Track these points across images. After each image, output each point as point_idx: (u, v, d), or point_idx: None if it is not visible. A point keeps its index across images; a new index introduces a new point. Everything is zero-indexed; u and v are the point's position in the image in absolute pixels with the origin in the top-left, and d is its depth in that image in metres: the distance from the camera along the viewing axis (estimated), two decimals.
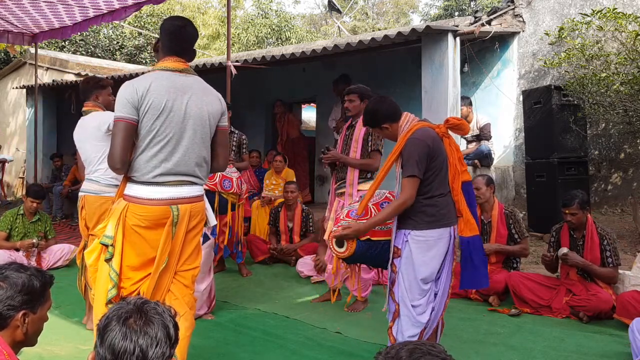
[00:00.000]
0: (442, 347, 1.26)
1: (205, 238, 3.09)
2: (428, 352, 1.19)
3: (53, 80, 10.52)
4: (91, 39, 16.14)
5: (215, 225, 4.32)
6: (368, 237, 2.94)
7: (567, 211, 4.03)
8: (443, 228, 2.80)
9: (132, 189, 2.47)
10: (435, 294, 2.82)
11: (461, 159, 2.88)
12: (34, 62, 9.68)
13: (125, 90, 2.41)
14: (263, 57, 6.92)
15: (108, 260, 2.44)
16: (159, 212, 2.43)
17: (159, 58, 2.59)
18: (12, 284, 1.86)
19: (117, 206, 2.51)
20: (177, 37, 2.56)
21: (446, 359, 1.19)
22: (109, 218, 2.51)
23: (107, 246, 2.45)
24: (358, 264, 3.63)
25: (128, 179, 2.50)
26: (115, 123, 2.41)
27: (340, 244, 2.92)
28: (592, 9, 5.85)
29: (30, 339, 1.94)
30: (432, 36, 5.71)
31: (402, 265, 2.80)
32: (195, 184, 2.55)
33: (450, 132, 2.92)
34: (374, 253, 2.99)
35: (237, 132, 5.42)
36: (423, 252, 2.76)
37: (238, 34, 21.15)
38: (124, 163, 2.41)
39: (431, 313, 2.80)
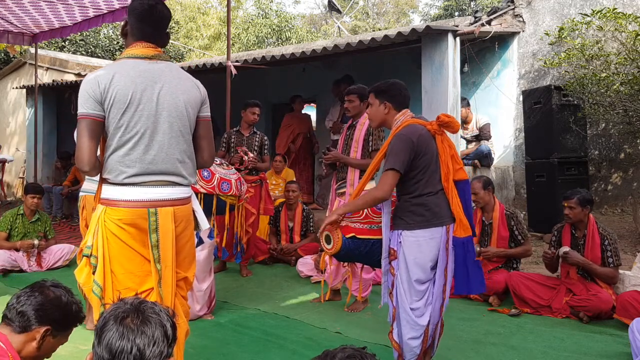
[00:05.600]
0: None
1: (199, 242, 3.02)
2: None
3: (53, 80, 10.52)
4: (91, 39, 16.13)
5: (213, 229, 4.32)
6: (353, 234, 2.92)
7: (565, 204, 4.06)
8: (435, 228, 2.73)
9: (107, 192, 2.22)
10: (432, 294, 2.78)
11: (455, 157, 2.81)
12: (34, 62, 9.69)
13: (87, 84, 2.15)
14: (263, 57, 6.93)
15: (94, 274, 2.22)
16: (136, 214, 2.18)
17: (127, 44, 2.31)
18: (57, 297, 1.96)
19: (95, 212, 2.27)
20: (147, 18, 2.26)
21: None
22: (90, 226, 2.29)
23: (89, 257, 2.23)
24: (361, 264, 3.62)
25: (104, 181, 2.25)
26: (79, 121, 2.15)
27: (328, 240, 2.92)
28: (592, 9, 5.85)
29: None
30: (432, 36, 5.71)
31: (398, 267, 2.77)
32: (179, 184, 2.28)
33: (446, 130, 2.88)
34: (363, 251, 2.97)
35: (259, 132, 5.55)
36: (414, 253, 2.72)
37: (238, 34, 21.17)
38: (91, 164, 2.17)
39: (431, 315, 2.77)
